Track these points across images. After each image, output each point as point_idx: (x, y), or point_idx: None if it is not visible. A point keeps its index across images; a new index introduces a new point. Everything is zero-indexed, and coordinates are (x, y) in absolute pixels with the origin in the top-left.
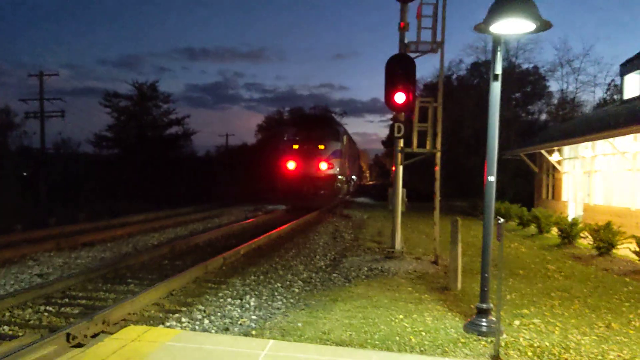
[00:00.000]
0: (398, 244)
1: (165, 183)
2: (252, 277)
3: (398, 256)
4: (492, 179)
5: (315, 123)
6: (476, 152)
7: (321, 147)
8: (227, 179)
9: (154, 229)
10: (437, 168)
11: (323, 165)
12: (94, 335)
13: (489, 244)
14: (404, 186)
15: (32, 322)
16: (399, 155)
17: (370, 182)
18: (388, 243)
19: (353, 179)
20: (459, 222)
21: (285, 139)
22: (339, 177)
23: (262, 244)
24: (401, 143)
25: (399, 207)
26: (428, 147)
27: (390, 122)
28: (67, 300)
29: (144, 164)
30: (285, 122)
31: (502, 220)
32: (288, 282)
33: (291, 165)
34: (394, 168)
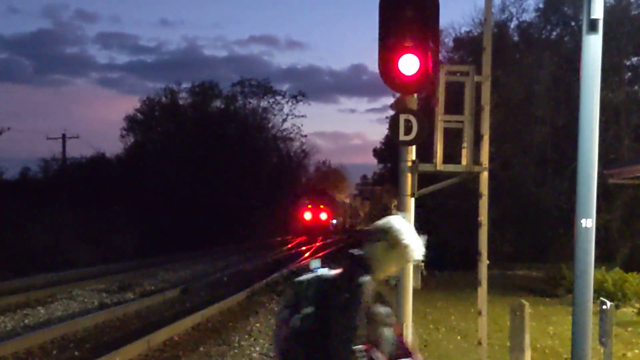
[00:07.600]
0: None
1: None
2: None
3: None
4: (588, 223)
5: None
6: (558, 172)
7: (322, 206)
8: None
9: None
10: (483, 200)
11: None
12: None
13: (585, 350)
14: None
15: None
16: (408, 177)
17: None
18: None
19: (332, 223)
20: (526, 310)
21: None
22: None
23: None
24: (412, 154)
25: (409, 281)
26: (464, 161)
27: (390, 112)
28: None
29: None
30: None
31: (609, 304)
32: None
33: (307, 215)
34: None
